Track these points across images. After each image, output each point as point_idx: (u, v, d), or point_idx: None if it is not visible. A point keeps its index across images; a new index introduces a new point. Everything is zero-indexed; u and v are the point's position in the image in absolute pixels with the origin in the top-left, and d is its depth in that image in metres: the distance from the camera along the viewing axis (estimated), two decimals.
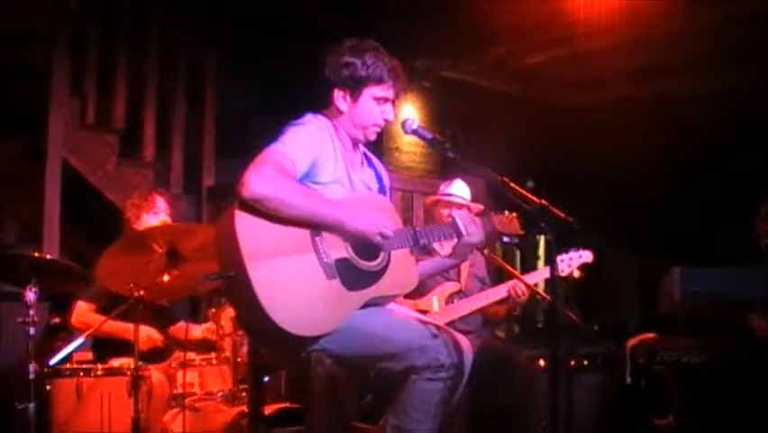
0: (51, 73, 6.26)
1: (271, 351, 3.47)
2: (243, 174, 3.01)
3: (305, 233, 3.13)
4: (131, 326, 4.22)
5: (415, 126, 3.45)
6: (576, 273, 4.94)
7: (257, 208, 3.03)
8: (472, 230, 3.45)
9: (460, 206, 5.11)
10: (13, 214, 6.61)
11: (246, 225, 3.02)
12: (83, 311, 4.78)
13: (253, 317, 3.00)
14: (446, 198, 5.16)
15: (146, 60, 6.95)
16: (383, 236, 3.20)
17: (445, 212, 5.10)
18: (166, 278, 4.15)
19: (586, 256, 4.94)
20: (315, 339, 3.10)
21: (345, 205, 3.22)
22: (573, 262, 4.92)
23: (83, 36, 6.57)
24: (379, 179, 3.56)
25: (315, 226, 3.14)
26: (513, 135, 8.42)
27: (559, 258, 4.87)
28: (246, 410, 4.02)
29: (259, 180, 3.00)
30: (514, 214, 3.65)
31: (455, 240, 3.50)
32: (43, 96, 6.23)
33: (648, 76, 8.00)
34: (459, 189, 5.18)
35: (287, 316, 2.98)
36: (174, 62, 7.14)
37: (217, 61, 7.39)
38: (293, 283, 3.04)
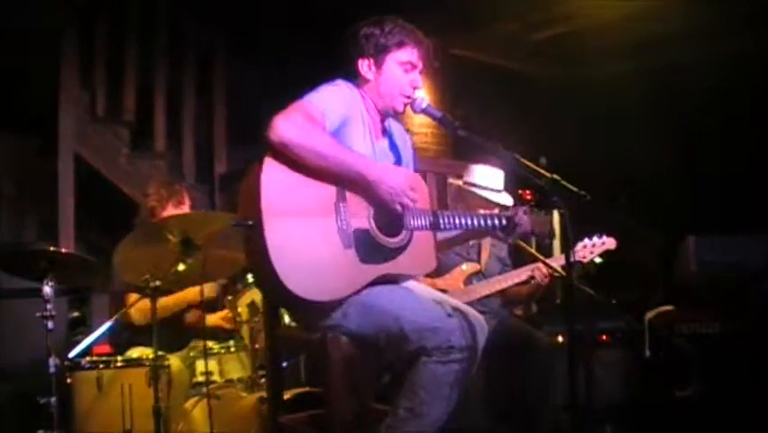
0: (60, 67, 6.26)
1: (292, 315, 3.50)
2: (273, 119, 3.03)
3: (329, 196, 3.13)
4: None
5: (424, 105, 3.45)
6: (598, 260, 4.90)
7: (287, 163, 3.04)
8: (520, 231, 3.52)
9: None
10: (33, 212, 6.64)
11: (272, 178, 3.03)
12: (141, 304, 4.65)
13: (264, 273, 3.01)
14: (473, 188, 5.10)
15: (155, 51, 6.95)
16: (402, 205, 3.20)
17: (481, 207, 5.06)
18: (181, 267, 4.16)
19: (609, 243, 4.87)
20: (325, 306, 3.11)
21: (375, 163, 3.22)
22: (596, 248, 4.86)
23: (91, 29, 6.57)
24: (395, 150, 3.55)
25: (340, 183, 3.14)
26: (525, 113, 8.38)
27: (580, 244, 4.84)
28: (266, 396, 4.03)
29: (287, 125, 3.01)
30: (548, 216, 3.63)
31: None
32: (53, 91, 6.25)
33: (660, 46, 7.93)
34: (491, 181, 5.13)
35: (295, 277, 2.98)
36: (183, 52, 7.13)
37: (227, 49, 7.38)
38: (307, 246, 3.04)
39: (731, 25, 7.40)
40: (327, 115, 3.14)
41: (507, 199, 5.08)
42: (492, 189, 5.08)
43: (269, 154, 3.06)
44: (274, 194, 3.02)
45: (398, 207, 3.20)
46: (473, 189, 5.08)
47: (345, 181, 3.15)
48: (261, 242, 2.97)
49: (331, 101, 3.19)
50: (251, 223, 3.02)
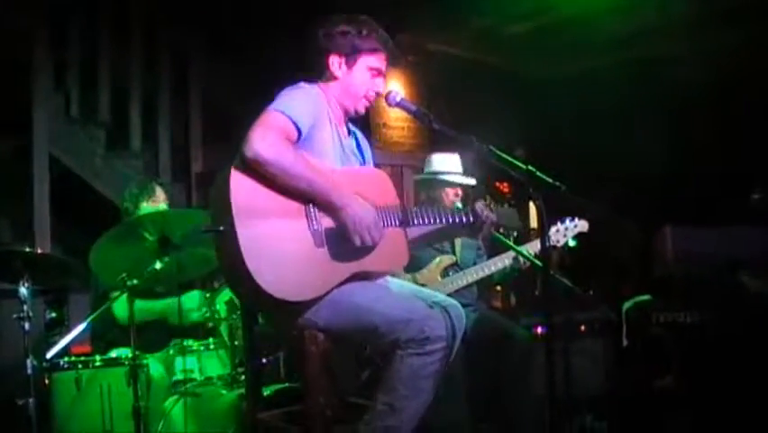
0: (33, 68, 6.22)
1: (264, 317, 3.50)
2: (248, 134, 3.02)
3: (299, 197, 3.13)
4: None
5: (399, 99, 3.47)
6: (571, 243, 4.92)
7: (255, 169, 3.04)
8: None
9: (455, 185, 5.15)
10: (8, 213, 6.60)
11: (241, 184, 3.04)
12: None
13: (238, 277, 3.02)
14: (443, 176, 5.19)
15: (129, 51, 6.92)
16: (362, 240, 3.15)
17: (450, 191, 5.13)
18: (158, 265, 4.15)
19: (581, 226, 4.91)
20: (298, 306, 3.11)
21: (344, 187, 3.20)
22: (569, 232, 4.89)
23: (63, 28, 6.53)
24: (359, 148, 3.58)
25: (309, 201, 3.15)
26: (502, 108, 8.40)
27: (554, 228, 4.86)
28: (245, 393, 4.02)
29: (264, 145, 3.01)
30: (513, 209, 3.66)
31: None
32: (27, 92, 6.21)
33: (638, 40, 7.96)
34: (450, 165, 5.20)
35: (270, 278, 2.99)
36: (157, 51, 7.09)
37: (202, 47, 7.35)
38: (280, 246, 3.05)
39: (715, 19, 7.42)
40: (300, 124, 3.15)
41: (469, 180, 5.19)
42: (453, 173, 5.16)
43: (236, 160, 3.07)
44: (244, 197, 3.03)
45: (357, 240, 3.15)
46: (436, 177, 5.17)
47: (314, 202, 3.15)
48: (234, 245, 2.97)
49: (301, 108, 3.19)
50: (222, 228, 3.03)
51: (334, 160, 3.34)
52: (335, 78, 3.42)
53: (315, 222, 3.14)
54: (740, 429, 4.97)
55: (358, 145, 3.56)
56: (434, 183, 5.19)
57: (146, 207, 4.89)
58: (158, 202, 4.94)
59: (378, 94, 3.47)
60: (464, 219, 3.51)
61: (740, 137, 7.43)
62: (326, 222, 3.17)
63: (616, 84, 7.99)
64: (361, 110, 3.47)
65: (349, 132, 3.55)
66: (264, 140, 3.02)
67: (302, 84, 3.36)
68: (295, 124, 3.13)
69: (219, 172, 3.13)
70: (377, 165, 3.73)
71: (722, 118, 7.60)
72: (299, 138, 3.16)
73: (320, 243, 3.13)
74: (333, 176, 3.22)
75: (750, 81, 7.44)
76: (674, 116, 7.79)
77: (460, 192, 5.16)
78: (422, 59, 8.28)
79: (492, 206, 3.61)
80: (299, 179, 3.07)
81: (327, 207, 3.15)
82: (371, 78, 3.44)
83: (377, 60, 3.43)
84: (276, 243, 3.04)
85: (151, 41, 7.03)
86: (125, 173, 6.60)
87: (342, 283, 3.17)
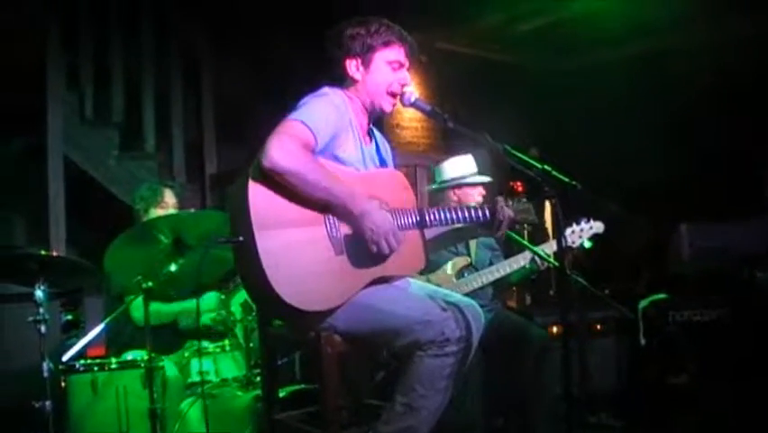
0: (46, 69, 6.24)
1: (283, 323, 3.48)
2: (266, 144, 2.99)
3: (317, 205, 3.12)
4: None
5: (413, 99, 3.44)
6: (587, 244, 4.90)
7: (273, 178, 3.02)
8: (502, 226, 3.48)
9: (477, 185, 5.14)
10: (22, 215, 6.61)
11: (259, 193, 3.02)
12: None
13: (259, 287, 3.01)
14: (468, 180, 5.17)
15: (141, 51, 6.93)
16: (379, 249, 3.12)
17: (473, 192, 5.13)
18: (173, 267, 4.14)
19: (597, 227, 4.88)
20: (319, 314, 3.10)
21: (362, 192, 3.18)
22: (584, 233, 4.86)
23: (76, 30, 6.54)
24: (379, 153, 3.55)
25: (327, 210, 3.13)
26: (514, 104, 8.38)
27: (569, 229, 4.84)
28: (261, 394, 4.02)
29: (282, 154, 2.98)
30: (529, 203, 3.64)
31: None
32: (41, 94, 6.22)
33: (644, 33, 7.93)
34: (464, 168, 5.19)
35: (290, 289, 2.98)
36: (169, 51, 7.11)
37: (214, 47, 7.35)
38: (300, 256, 3.03)
39: (723, 9, 7.39)
40: (319, 135, 3.11)
41: (485, 178, 5.17)
42: (469, 176, 5.15)
43: (252, 171, 3.05)
44: (263, 207, 3.01)
45: (374, 248, 3.13)
46: (451, 184, 5.15)
47: (332, 209, 3.13)
48: (254, 255, 2.96)
49: (321, 117, 3.15)
50: (241, 238, 3.01)
51: (356, 167, 3.31)
52: (356, 81, 3.38)
53: (334, 229, 3.13)
54: (754, 427, 4.94)
55: (378, 150, 3.53)
56: (451, 190, 5.18)
57: (154, 212, 4.90)
58: (167, 207, 4.94)
59: (404, 85, 3.42)
60: (481, 216, 3.48)
61: (751, 129, 7.38)
62: (345, 229, 3.15)
63: (625, 79, 7.97)
64: (387, 108, 3.43)
65: (371, 137, 3.52)
66: (281, 149, 2.99)
67: (325, 90, 3.33)
68: (314, 133, 3.09)
69: (236, 179, 3.11)
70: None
71: (733, 110, 7.56)
72: (317, 147, 3.13)
73: (339, 250, 3.13)
74: (351, 181, 3.19)
75: (760, 74, 7.41)
76: (683, 110, 7.75)
77: (483, 191, 5.16)
78: (432, 59, 8.28)
79: (508, 201, 3.58)
80: (317, 187, 3.05)
81: (346, 214, 3.13)
82: (393, 72, 3.39)
83: (393, 53, 3.39)
84: (296, 252, 3.03)
85: (164, 42, 7.05)
86: (139, 175, 6.60)
87: (362, 289, 3.16)
